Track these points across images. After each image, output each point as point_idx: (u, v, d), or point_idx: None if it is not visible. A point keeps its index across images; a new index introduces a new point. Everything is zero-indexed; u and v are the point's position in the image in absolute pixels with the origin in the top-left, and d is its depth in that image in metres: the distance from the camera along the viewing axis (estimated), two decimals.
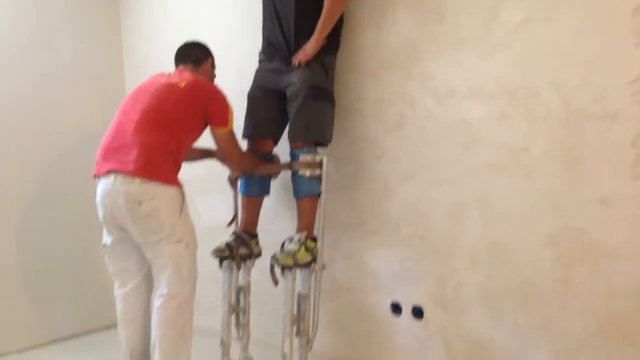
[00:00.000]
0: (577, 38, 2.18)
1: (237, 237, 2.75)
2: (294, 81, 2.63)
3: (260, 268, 2.87)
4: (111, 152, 2.40)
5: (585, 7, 2.16)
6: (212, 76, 2.79)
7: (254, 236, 2.82)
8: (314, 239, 2.63)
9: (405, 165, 2.65)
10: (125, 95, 2.95)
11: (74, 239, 3.56)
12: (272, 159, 2.82)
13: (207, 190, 3.39)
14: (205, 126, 2.57)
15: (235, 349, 2.79)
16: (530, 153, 2.31)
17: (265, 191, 2.84)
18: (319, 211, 2.63)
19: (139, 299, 2.56)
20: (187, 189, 3.40)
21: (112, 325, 3.06)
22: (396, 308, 2.73)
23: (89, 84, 3.69)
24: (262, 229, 2.89)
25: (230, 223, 2.89)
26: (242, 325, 2.78)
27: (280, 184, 3.00)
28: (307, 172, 2.60)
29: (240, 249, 2.71)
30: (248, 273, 2.78)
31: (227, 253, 2.70)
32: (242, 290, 2.77)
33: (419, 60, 2.58)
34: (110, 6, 3.82)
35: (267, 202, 2.96)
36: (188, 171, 3.11)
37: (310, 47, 2.59)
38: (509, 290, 2.39)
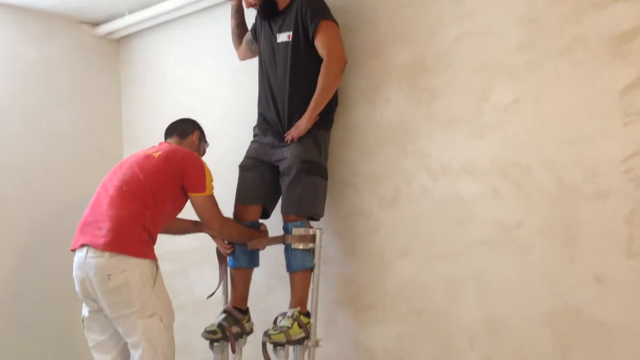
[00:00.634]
0: (567, 118, 2.23)
1: (229, 315, 2.68)
2: (287, 156, 2.66)
3: (252, 345, 2.81)
4: (86, 226, 2.46)
5: (574, 88, 2.22)
6: (199, 150, 2.82)
7: (245, 312, 2.76)
8: (308, 314, 2.59)
9: (401, 240, 2.65)
10: None
11: (59, 312, 3.48)
12: (258, 227, 2.79)
13: (201, 262, 3.37)
14: (186, 197, 2.58)
15: None
16: (524, 230, 2.32)
17: (255, 262, 2.80)
18: (312, 286, 2.60)
19: None
20: (181, 261, 3.42)
21: None
22: None
23: (87, 156, 3.72)
24: (255, 304, 2.85)
25: (210, 295, 2.82)
26: None
27: (274, 259, 2.98)
28: (300, 246, 2.59)
29: (232, 327, 2.64)
30: (239, 352, 2.69)
31: (219, 335, 2.62)
32: None
33: (413, 137, 2.62)
34: (112, 80, 3.90)
35: (260, 276, 2.94)
36: (182, 244, 3.12)
37: (303, 124, 2.63)
38: None
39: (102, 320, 2.47)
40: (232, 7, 3.03)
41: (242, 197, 2.78)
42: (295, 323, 2.50)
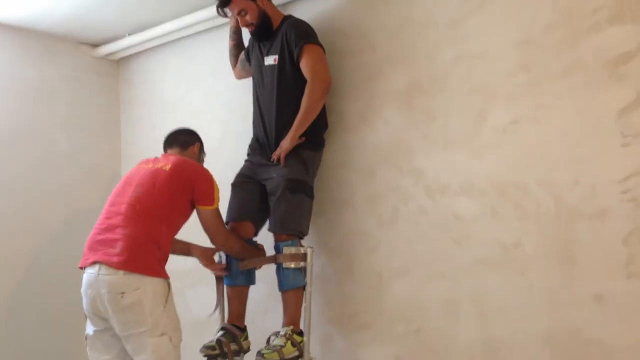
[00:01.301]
0: (564, 139, 2.25)
1: (227, 332, 2.67)
2: (273, 175, 2.71)
3: None
4: (97, 243, 2.42)
5: (571, 109, 2.24)
6: (200, 160, 2.84)
7: (243, 329, 2.75)
8: (301, 333, 2.59)
9: (399, 259, 2.65)
10: None
11: (58, 331, 3.46)
12: (255, 245, 2.80)
13: (197, 282, 3.35)
14: (193, 207, 2.58)
15: None
16: (522, 250, 2.32)
17: (251, 280, 2.80)
18: (305, 304, 2.60)
19: None
20: (180, 280, 3.39)
21: None
22: None
23: (86, 174, 3.72)
24: (252, 324, 2.84)
25: (211, 314, 2.82)
26: None
27: (272, 278, 2.97)
28: (292, 265, 2.60)
29: (230, 344, 2.63)
30: None
31: (217, 351, 2.61)
32: None
33: (411, 157, 2.64)
34: (111, 100, 3.91)
35: (257, 296, 2.92)
36: (182, 263, 3.10)
37: (285, 144, 2.68)
38: None
39: (108, 339, 2.43)
40: (230, 29, 3.09)
41: (234, 213, 2.80)
42: (289, 342, 2.51)
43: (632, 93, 2.11)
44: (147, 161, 2.64)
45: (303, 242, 2.73)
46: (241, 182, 2.85)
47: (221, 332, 2.68)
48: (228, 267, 2.76)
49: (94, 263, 2.38)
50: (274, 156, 2.71)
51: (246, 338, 2.75)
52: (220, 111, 3.40)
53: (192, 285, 3.38)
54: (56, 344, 3.47)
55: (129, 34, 3.64)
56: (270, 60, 2.78)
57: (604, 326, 2.14)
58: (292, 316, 2.60)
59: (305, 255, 2.61)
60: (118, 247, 2.35)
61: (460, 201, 2.49)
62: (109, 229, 2.43)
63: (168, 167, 2.54)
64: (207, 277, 3.25)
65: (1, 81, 3.45)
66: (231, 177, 2.95)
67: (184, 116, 3.55)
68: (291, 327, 2.56)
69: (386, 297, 2.67)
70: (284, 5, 3.07)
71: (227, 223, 2.79)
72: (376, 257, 2.72)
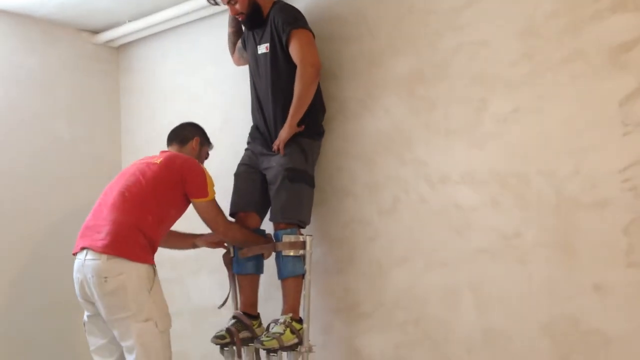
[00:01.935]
0: (566, 128, 2.24)
1: (238, 321, 2.69)
2: (273, 165, 2.70)
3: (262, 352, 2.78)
4: (87, 229, 2.49)
5: (573, 98, 2.23)
6: (201, 155, 2.83)
7: (255, 317, 2.76)
8: (300, 321, 2.59)
9: (399, 248, 2.65)
10: None
11: (59, 319, 3.47)
12: (264, 234, 2.81)
13: (197, 271, 3.36)
14: (188, 202, 2.60)
15: None
16: (523, 240, 2.32)
17: (259, 269, 2.81)
18: (304, 292, 2.61)
19: None
20: (179, 269, 3.40)
21: None
22: None
23: (86, 163, 3.71)
24: None
25: (222, 305, 2.83)
26: None
27: (273, 267, 2.98)
28: (291, 253, 2.60)
29: (241, 333, 2.65)
30: (252, 357, 2.70)
31: (227, 340, 2.63)
32: None
33: (412, 146, 2.63)
34: (111, 88, 3.89)
35: (260, 284, 2.92)
36: (179, 252, 3.11)
37: (284, 133, 2.67)
38: None
39: (102, 324, 2.47)
40: (230, 15, 3.06)
41: (238, 204, 2.80)
42: (288, 329, 2.52)
43: (634, 82, 2.10)
44: (145, 157, 2.68)
45: (303, 230, 2.73)
46: (244, 172, 2.84)
47: (232, 321, 2.70)
48: (234, 253, 2.77)
49: (82, 249, 2.44)
50: (274, 146, 2.71)
51: (259, 325, 2.76)
52: (221, 99, 3.39)
53: (192, 274, 3.38)
54: (58, 330, 3.48)
55: (129, 21, 3.62)
56: (263, 48, 2.78)
57: (603, 315, 2.14)
58: (291, 304, 2.61)
59: (304, 243, 2.62)
60: (103, 232, 2.40)
61: (460, 190, 2.48)
62: (98, 216, 2.49)
63: (159, 160, 2.58)
64: (207, 265, 3.27)
65: (1, 68, 3.43)
66: (231, 165, 2.95)
67: (184, 104, 3.54)
68: (290, 314, 2.57)
69: (386, 285, 2.68)
70: None
71: (234, 214, 2.80)
72: (376, 246, 2.72)
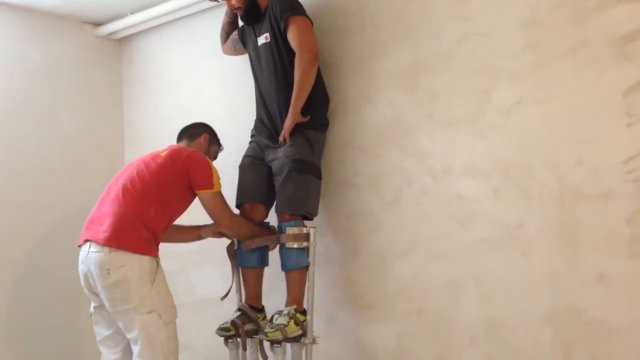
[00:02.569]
0: (569, 119, 2.24)
1: (243, 313, 2.70)
2: (279, 156, 2.69)
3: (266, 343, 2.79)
4: (91, 222, 2.51)
5: (576, 89, 2.23)
6: (209, 152, 2.83)
7: (260, 310, 2.77)
8: (304, 312, 2.60)
9: (402, 239, 2.66)
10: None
11: (65, 310, 3.49)
12: (268, 226, 2.81)
13: (201, 262, 3.37)
14: (193, 195, 2.60)
15: None
16: (526, 230, 2.32)
17: (264, 262, 2.81)
18: (308, 283, 2.61)
19: None
20: (183, 261, 3.41)
21: None
22: None
23: (89, 156, 3.72)
24: None
25: (224, 296, 2.83)
26: None
27: (276, 258, 2.99)
28: (295, 245, 2.60)
29: (246, 325, 2.66)
30: (256, 349, 2.71)
31: (232, 332, 2.64)
32: None
33: (415, 137, 2.63)
34: (113, 80, 3.90)
35: (264, 276, 2.93)
36: (182, 244, 3.11)
37: (288, 121, 2.66)
38: None
39: (108, 315, 2.49)
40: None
41: (244, 196, 2.80)
42: (292, 321, 2.52)
43: (638, 72, 2.09)
44: (151, 152, 2.68)
45: (310, 222, 2.73)
46: (249, 164, 2.84)
47: (237, 314, 2.71)
48: (238, 245, 2.77)
49: (86, 241, 2.45)
50: (280, 138, 2.70)
51: (264, 318, 2.77)
52: (223, 90, 3.39)
53: (196, 266, 3.39)
54: (63, 322, 3.50)
55: (131, 13, 3.62)
56: (263, 39, 2.78)
57: (606, 306, 2.14)
58: (295, 296, 2.62)
59: (308, 235, 2.62)
60: (105, 225, 2.41)
61: (463, 182, 2.48)
62: (101, 208, 2.50)
63: (164, 153, 2.59)
64: (210, 257, 3.27)
65: (4, 60, 3.43)
66: (234, 157, 2.95)
67: (187, 96, 3.54)
68: (294, 306, 2.58)
69: (389, 277, 2.68)
70: None
71: (239, 205, 2.80)
72: (379, 237, 2.72)
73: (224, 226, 2.68)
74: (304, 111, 2.66)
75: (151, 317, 2.38)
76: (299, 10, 2.72)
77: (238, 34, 3.01)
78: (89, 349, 3.39)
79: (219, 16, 3.33)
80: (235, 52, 3.09)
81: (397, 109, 2.68)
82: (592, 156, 2.18)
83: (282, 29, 2.68)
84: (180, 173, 2.54)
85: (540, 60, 2.30)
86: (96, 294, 2.46)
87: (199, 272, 3.39)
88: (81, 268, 2.46)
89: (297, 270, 2.62)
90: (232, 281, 2.80)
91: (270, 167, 2.78)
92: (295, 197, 2.63)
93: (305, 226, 2.67)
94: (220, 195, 2.60)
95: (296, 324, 2.53)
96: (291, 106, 2.64)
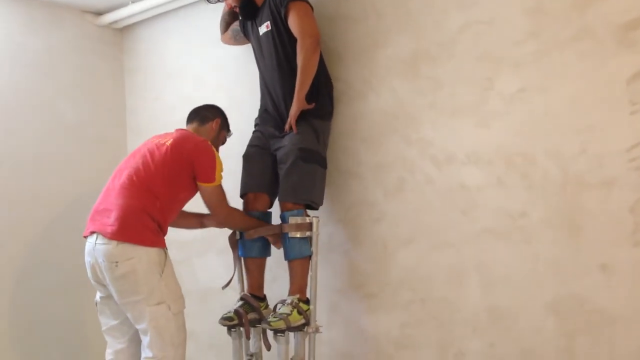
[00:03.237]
0: (572, 107, 2.23)
1: (245, 302, 2.70)
2: (285, 144, 2.68)
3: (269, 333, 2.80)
4: (96, 213, 2.50)
5: (580, 77, 2.22)
6: (219, 138, 2.79)
7: (262, 299, 2.78)
8: (307, 301, 2.61)
9: (405, 229, 2.66)
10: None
11: (68, 300, 3.51)
12: (270, 217, 2.80)
13: (205, 251, 3.38)
14: (196, 184, 2.58)
15: None
16: (529, 219, 2.32)
17: (266, 253, 2.81)
18: (311, 273, 2.62)
19: None
20: (185, 250, 3.42)
21: None
22: None
23: (91, 145, 3.72)
24: None
25: (225, 286, 2.84)
26: None
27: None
28: (298, 234, 2.60)
29: (249, 314, 2.66)
30: (259, 338, 2.72)
31: (235, 321, 2.65)
32: (255, 357, 2.72)
33: (417, 126, 2.62)
34: (115, 69, 3.89)
35: (266, 265, 2.94)
36: (186, 233, 3.12)
37: (293, 108, 2.64)
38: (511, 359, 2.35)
39: (114, 306, 2.49)
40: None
41: (248, 186, 2.79)
42: (295, 310, 2.53)
43: None
44: (157, 136, 2.65)
45: (315, 212, 2.72)
46: (254, 153, 2.83)
47: (240, 303, 2.71)
48: (240, 235, 2.77)
49: (92, 233, 2.45)
50: (287, 126, 2.69)
51: (266, 307, 2.77)
52: (226, 80, 3.38)
53: (200, 255, 3.40)
54: (67, 312, 3.52)
55: (133, 2, 3.60)
56: (264, 28, 2.77)
57: (609, 295, 2.15)
58: (298, 285, 2.62)
59: (310, 224, 2.61)
60: (112, 218, 2.41)
61: (466, 170, 2.48)
62: (107, 199, 2.49)
63: (170, 142, 2.54)
64: (214, 246, 3.28)
65: (5, 50, 3.42)
66: (237, 146, 2.95)
67: (189, 84, 3.53)
68: (297, 295, 2.58)
69: (392, 266, 2.69)
70: None
71: (243, 195, 2.79)
72: (382, 227, 2.72)
73: (219, 218, 2.68)
74: (309, 99, 2.65)
75: (160, 308, 2.39)
76: None
77: (239, 25, 3.00)
78: (93, 341, 3.42)
79: (221, 5, 3.32)
80: (235, 42, 3.09)
81: (400, 98, 2.67)
82: (595, 144, 2.18)
83: (282, 15, 2.67)
84: (184, 165, 2.52)
85: (543, 48, 2.29)
86: (104, 285, 2.47)
87: (202, 261, 3.40)
88: (88, 259, 2.46)
89: (300, 259, 2.62)
90: (234, 270, 2.81)
91: (275, 157, 2.77)
92: (299, 185, 2.62)
93: (308, 215, 2.67)
94: (219, 188, 2.59)
95: (299, 313, 2.53)
96: (296, 93, 2.63)
